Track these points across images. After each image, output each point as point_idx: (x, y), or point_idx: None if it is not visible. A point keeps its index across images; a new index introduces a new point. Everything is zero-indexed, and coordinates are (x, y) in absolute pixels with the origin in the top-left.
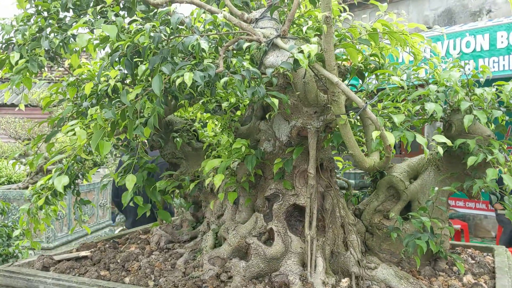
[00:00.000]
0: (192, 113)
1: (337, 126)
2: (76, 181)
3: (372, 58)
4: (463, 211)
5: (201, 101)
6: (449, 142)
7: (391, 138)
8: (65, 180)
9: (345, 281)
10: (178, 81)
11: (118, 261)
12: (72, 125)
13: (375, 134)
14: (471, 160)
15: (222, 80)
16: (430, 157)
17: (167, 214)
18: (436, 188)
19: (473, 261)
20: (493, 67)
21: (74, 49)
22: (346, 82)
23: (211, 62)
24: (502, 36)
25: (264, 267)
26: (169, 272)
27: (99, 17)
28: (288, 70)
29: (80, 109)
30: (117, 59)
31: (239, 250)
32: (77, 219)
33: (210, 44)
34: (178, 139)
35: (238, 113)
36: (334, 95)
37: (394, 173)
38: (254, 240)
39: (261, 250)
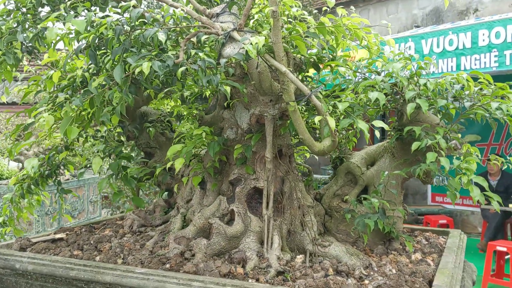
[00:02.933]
0: (168, 106)
1: None
2: (58, 171)
3: (324, 51)
4: (450, 207)
5: (165, 90)
6: (386, 127)
7: (332, 123)
8: (34, 162)
9: (299, 258)
10: (137, 70)
11: (91, 242)
12: (41, 111)
13: (317, 119)
14: (415, 145)
15: (180, 70)
16: (386, 144)
17: (141, 200)
18: (386, 172)
19: (426, 242)
20: (475, 64)
21: (52, 43)
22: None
23: (173, 54)
24: (483, 34)
25: (225, 245)
26: (137, 251)
27: (71, 12)
28: (240, 60)
29: (55, 100)
30: (83, 50)
31: (203, 231)
32: (67, 213)
33: (170, 36)
34: (151, 129)
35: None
36: (283, 84)
37: (352, 159)
38: (216, 220)
39: (222, 229)
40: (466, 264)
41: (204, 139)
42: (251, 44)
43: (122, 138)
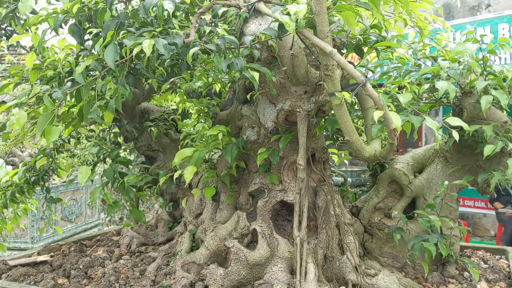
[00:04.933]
0: (173, 102)
1: (332, 110)
2: (46, 176)
3: (372, 30)
4: (461, 209)
5: (171, 80)
6: (466, 126)
7: (397, 120)
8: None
9: None
10: (135, 51)
11: (81, 267)
12: (10, 105)
13: (377, 114)
14: (488, 149)
15: (192, 51)
16: (437, 147)
17: (141, 213)
18: (446, 182)
19: (485, 265)
20: (494, 60)
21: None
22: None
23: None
24: (503, 28)
25: (246, 274)
26: (136, 280)
27: None
28: (272, 38)
29: (38, 94)
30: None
31: (218, 255)
32: (63, 218)
33: (179, 9)
34: (153, 128)
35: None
36: (327, 69)
37: (396, 166)
38: (235, 243)
39: (243, 254)
40: None
41: (219, 142)
42: (288, 14)
43: (119, 140)
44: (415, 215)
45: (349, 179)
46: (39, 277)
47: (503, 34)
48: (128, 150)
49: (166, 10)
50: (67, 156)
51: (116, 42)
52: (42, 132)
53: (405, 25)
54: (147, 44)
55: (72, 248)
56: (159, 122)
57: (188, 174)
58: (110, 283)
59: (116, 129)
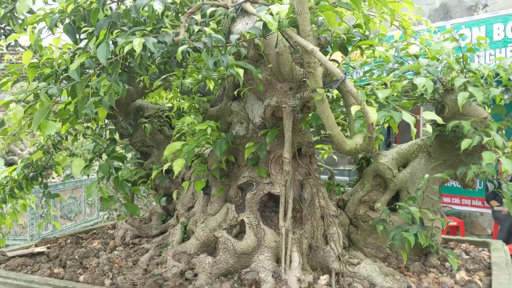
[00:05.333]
0: (167, 99)
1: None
2: (44, 173)
3: (355, 29)
4: (458, 208)
5: (162, 76)
6: (439, 120)
7: (373, 114)
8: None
9: (323, 278)
10: (126, 48)
11: (76, 257)
12: (8, 101)
13: (354, 109)
14: (465, 143)
15: (181, 49)
16: (421, 143)
17: (135, 207)
18: (427, 176)
19: (467, 256)
20: (490, 60)
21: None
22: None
23: (173, 32)
24: (498, 28)
25: (234, 263)
26: (129, 269)
27: None
28: (257, 36)
29: (35, 90)
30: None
31: (207, 245)
32: (63, 216)
33: (169, 8)
34: (147, 125)
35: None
36: (309, 66)
37: (381, 160)
38: (223, 233)
39: (231, 244)
40: None
41: (209, 136)
42: (271, 14)
43: (115, 136)
44: (398, 207)
45: (347, 178)
46: (36, 267)
47: (498, 34)
48: (125, 148)
49: (156, 10)
50: (67, 155)
51: (109, 41)
52: (38, 127)
53: (390, 24)
54: (137, 43)
55: (69, 241)
56: (153, 119)
57: (177, 166)
58: (104, 272)
59: (112, 126)
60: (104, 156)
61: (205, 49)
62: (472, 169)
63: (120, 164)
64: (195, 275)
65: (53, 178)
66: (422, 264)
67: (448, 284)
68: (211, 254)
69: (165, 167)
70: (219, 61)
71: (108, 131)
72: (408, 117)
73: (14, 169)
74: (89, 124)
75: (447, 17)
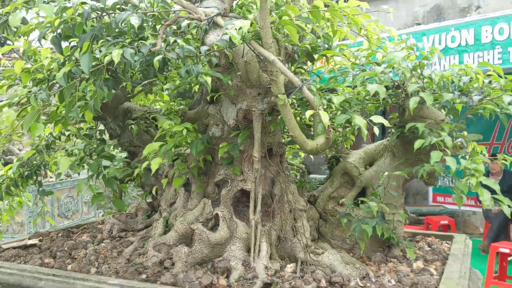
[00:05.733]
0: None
1: None
2: (38, 171)
3: (319, 40)
4: (452, 207)
5: (142, 83)
6: (386, 123)
7: (325, 118)
8: None
9: (290, 267)
10: (106, 59)
11: (66, 249)
12: (2, 105)
13: (309, 113)
14: (417, 143)
15: (156, 59)
16: (386, 143)
17: (122, 203)
18: (386, 173)
19: (428, 249)
20: (478, 62)
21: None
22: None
23: (152, 43)
24: (486, 30)
25: (208, 253)
26: (113, 259)
27: None
28: (224, 48)
29: (26, 95)
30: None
31: (186, 237)
32: (60, 215)
33: (147, 22)
34: (133, 126)
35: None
36: (272, 74)
37: (349, 159)
38: (199, 226)
39: (205, 235)
40: (471, 271)
41: (186, 137)
42: (235, 29)
43: (105, 136)
44: (360, 202)
45: None
46: (29, 257)
47: (486, 36)
48: (115, 148)
49: (133, 24)
50: (62, 155)
51: (97, 51)
52: (28, 128)
53: (359, 33)
54: (116, 53)
55: (60, 234)
56: (140, 121)
57: (154, 164)
58: (90, 262)
59: (103, 127)
60: (94, 156)
61: (178, 59)
62: (424, 167)
63: (110, 163)
64: (173, 264)
65: (51, 177)
66: (384, 255)
67: (404, 272)
68: (188, 245)
69: (144, 165)
70: (190, 70)
71: (98, 132)
72: (359, 121)
73: (10, 168)
74: (81, 125)
75: (440, 19)
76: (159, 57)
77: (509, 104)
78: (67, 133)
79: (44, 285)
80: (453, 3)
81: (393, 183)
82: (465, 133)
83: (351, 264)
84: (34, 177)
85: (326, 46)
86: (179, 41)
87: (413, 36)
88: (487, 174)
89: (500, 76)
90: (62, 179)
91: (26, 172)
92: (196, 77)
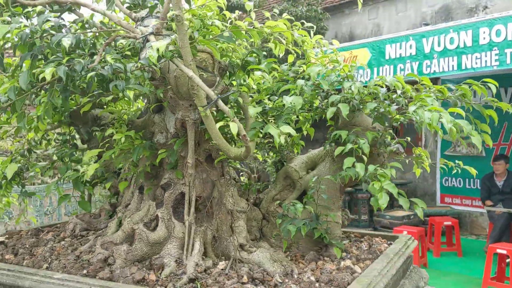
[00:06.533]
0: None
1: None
2: (21, 174)
3: (254, 55)
4: (458, 208)
5: (89, 94)
6: (293, 132)
7: (234, 128)
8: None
9: (222, 264)
10: (41, 76)
11: (27, 246)
12: None
13: (219, 124)
14: (337, 150)
15: (89, 75)
16: (328, 148)
17: (87, 204)
18: (315, 178)
19: (366, 248)
20: (476, 63)
21: None
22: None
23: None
24: (484, 32)
25: (148, 250)
26: (65, 256)
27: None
28: (148, 65)
29: None
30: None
31: (131, 236)
32: (67, 214)
33: (85, 41)
34: (97, 133)
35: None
36: (193, 89)
37: (291, 164)
38: (139, 226)
39: (145, 235)
40: (416, 270)
41: (130, 144)
42: (153, 48)
43: (76, 142)
44: (292, 204)
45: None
46: None
47: (484, 38)
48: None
49: (64, 45)
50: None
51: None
52: None
53: (306, 46)
54: (48, 71)
55: (29, 233)
56: (106, 127)
57: (90, 170)
58: (44, 258)
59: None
60: (66, 160)
61: (108, 75)
62: (341, 173)
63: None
64: (115, 260)
65: (48, 181)
66: (319, 254)
67: (328, 270)
68: (132, 244)
69: (81, 170)
70: (117, 85)
71: (69, 138)
72: (273, 131)
73: None
74: (58, 132)
75: (448, 19)
76: (93, 73)
77: (413, 113)
78: (47, 138)
79: None
80: (461, 4)
81: (323, 187)
82: (408, 138)
83: (278, 261)
84: (17, 179)
85: (255, 61)
86: (109, 59)
87: (413, 38)
88: (492, 174)
89: (428, 87)
90: (57, 182)
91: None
92: (122, 91)
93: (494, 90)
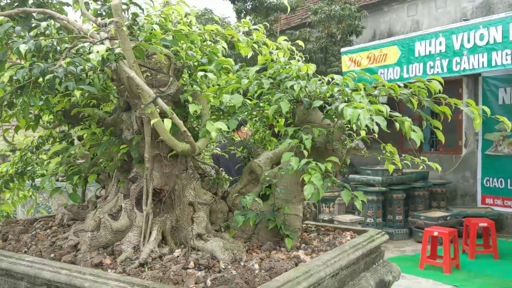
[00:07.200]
0: None
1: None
2: (31, 168)
3: (206, 56)
4: (499, 209)
5: (58, 94)
6: (225, 128)
7: (168, 125)
8: None
9: (177, 252)
10: (1, 79)
11: (16, 233)
12: None
13: (166, 120)
14: (282, 145)
15: (47, 77)
16: (293, 144)
17: (77, 196)
18: (267, 172)
19: (327, 241)
20: (506, 60)
21: None
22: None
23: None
24: None
25: (111, 238)
26: (42, 242)
27: None
28: (94, 67)
29: None
30: None
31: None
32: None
33: (46, 47)
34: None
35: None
36: (138, 88)
37: (256, 159)
38: (105, 215)
39: (109, 223)
40: (385, 264)
41: (94, 141)
42: (95, 52)
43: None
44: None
45: (380, 178)
46: None
47: None
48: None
49: (21, 51)
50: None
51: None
52: None
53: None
54: (7, 74)
55: (26, 222)
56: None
57: (52, 164)
58: (26, 243)
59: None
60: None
61: (63, 76)
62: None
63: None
64: (81, 246)
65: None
66: (277, 245)
67: (276, 258)
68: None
69: (45, 164)
70: (68, 85)
71: (65, 135)
72: (210, 127)
73: (6, 166)
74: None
75: (490, 14)
76: (51, 75)
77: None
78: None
79: None
80: None
81: (274, 180)
82: (376, 135)
83: (230, 250)
84: (28, 174)
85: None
86: (62, 62)
87: (443, 35)
88: None
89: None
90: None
91: (20, 169)
92: (72, 91)
93: (439, 87)
